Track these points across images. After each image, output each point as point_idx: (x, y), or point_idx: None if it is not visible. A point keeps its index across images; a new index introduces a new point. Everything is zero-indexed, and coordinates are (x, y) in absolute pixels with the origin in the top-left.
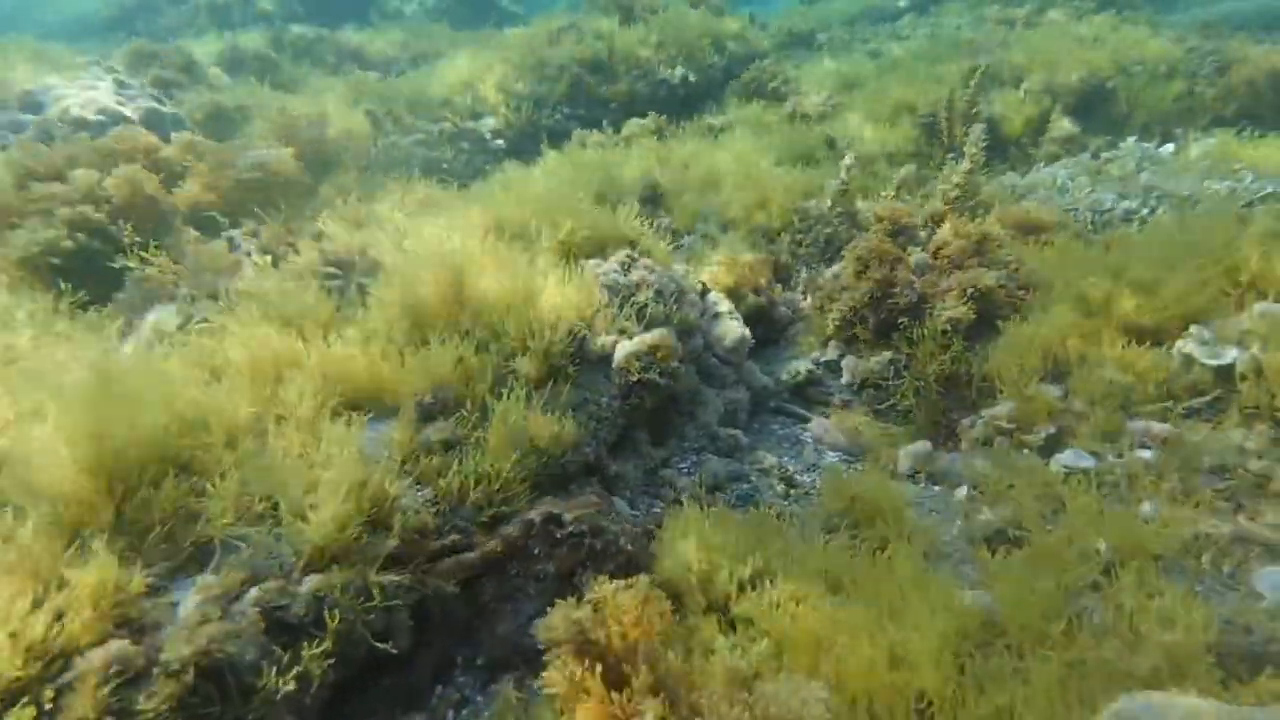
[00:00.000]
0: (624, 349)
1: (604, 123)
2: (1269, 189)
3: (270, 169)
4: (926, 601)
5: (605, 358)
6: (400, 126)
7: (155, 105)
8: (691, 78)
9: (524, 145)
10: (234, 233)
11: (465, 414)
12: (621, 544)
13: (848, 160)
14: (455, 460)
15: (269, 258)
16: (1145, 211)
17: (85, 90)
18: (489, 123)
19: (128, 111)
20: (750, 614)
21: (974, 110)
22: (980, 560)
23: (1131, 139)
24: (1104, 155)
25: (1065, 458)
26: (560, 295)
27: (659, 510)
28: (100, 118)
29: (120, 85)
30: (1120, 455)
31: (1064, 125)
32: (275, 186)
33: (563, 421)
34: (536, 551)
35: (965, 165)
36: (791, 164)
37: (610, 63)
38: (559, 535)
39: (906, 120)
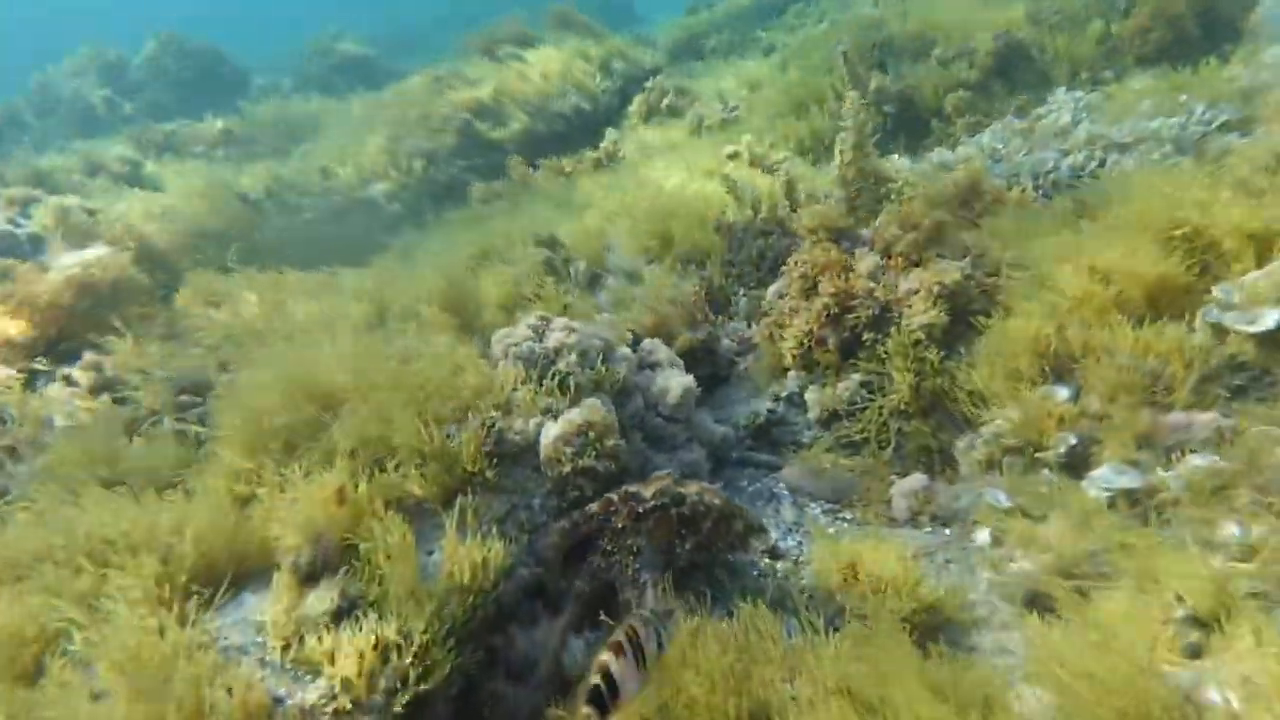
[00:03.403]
0: (550, 434)
1: (503, 169)
2: (1224, 116)
3: (94, 273)
4: None
5: (530, 447)
6: (284, 208)
7: (9, 228)
8: (585, 106)
9: (421, 206)
10: (70, 369)
11: (357, 565)
12: None
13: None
14: (351, 633)
15: (105, 397)
16: (1094, 165)
17: None
18: (379, 188)
19: None
20: None
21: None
22: (1028, 631)
23: (1061, 90)
24: (1035, 112)
25: (1102, 476)
26: (460, 381)
27: None
28: None
29: None
30: (1170, 463)
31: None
32: (104, 298)
33: (488, 544)
34: None
35: (850, 140)
36: (702, 178)
37: (497, 106)
38: None
39: (815, 112)
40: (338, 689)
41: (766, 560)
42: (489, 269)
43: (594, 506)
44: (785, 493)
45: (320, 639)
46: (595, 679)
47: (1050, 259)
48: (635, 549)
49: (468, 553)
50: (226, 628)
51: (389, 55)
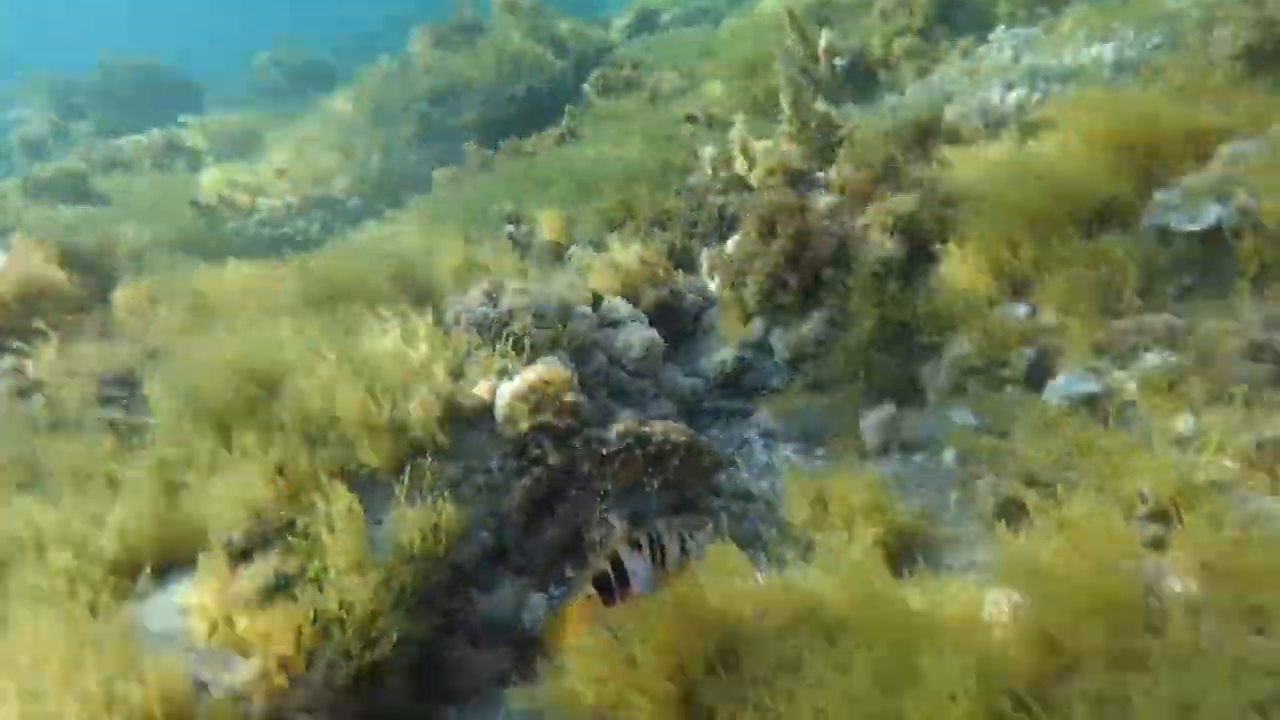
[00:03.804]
0: (505, 393)
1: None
2: (1155, 41)
3: (26, 283)
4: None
5: (486, 410)
6: (237, 211)
7: None
8: (539, 85)
9: (382, 198)
10: None
11: (296, 540)
12: None
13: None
14: (286, 609)
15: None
16: (1037, 97)
17: None
18: (339, 183)
19: None
20: None
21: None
22: (997, 539)
23: (1000, 28)
24: (977, 52)
25: (1061, 385)
26: (412, 350)
27: None
28: None
29: None
30: (1126, 366)
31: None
32: (35, 308)
33: (440, 509)
34: None
35: (788, 95)
36: (657, 146)
37: (452, 92)
38: None
39: (765, 73)
40: (271, 668)
41: (738, 504)
42: (449, 244)
43: (555, 458)
44: (757, 437)
45: (252, 618)
46: (604, 566)
47: (1002, 183)
48: (602, 492)
49: (418, 519)
50: (150, 615)
51: (345, 58)
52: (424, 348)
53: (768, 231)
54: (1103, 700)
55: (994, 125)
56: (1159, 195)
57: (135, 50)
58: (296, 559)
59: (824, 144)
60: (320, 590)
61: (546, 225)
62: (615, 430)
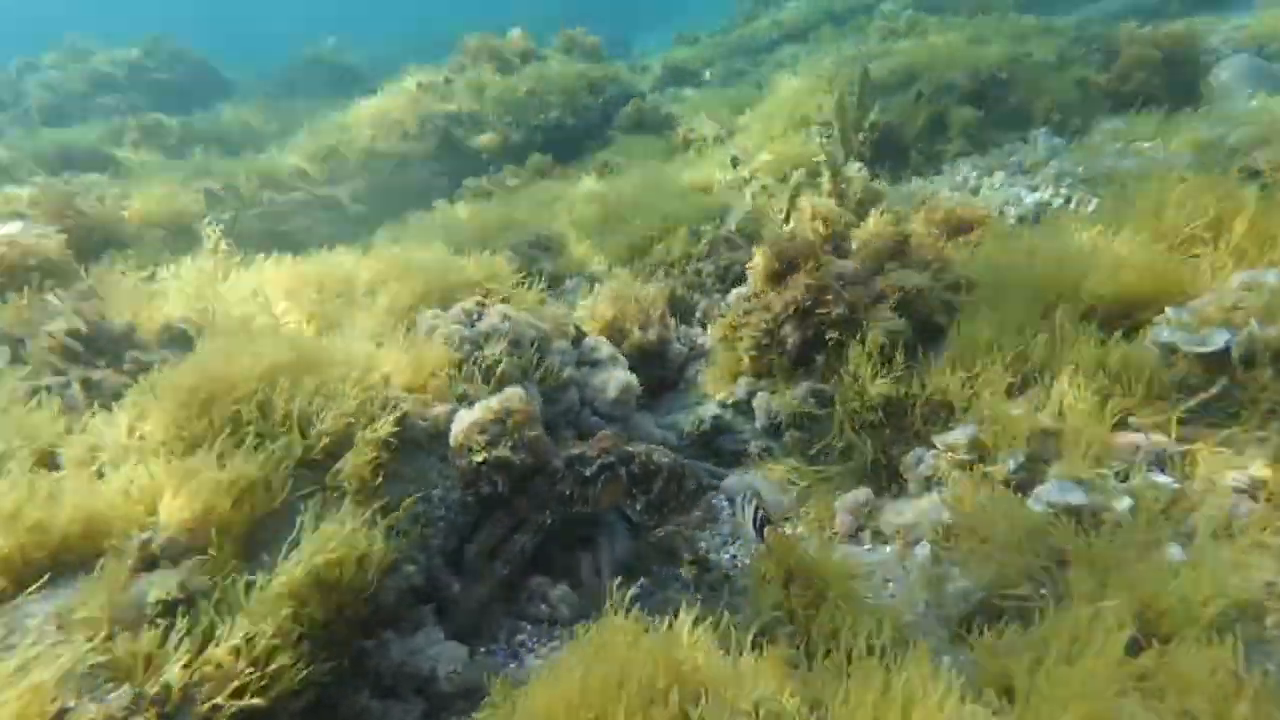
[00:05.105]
0: (463, 420)
1: (470, 179)
2: (1187, 159)
3: (22, 249)
4: None
5: (440, 435)
6: (243, 200)
7: None
8: (570, 121)
9: (389, 206)
10: None
11: (219, 552)
12: None
13: (745, 173)
14: (186, 629)
15: None
16: (1059, 202)
17: None
18: (345, 189)
19: None
20: None
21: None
22: (966, 650)
23: (1037, 131)
24: (1006, 149)
25: (1048, 492)
26: (385, 360)
27: (524, 639)
28: None
29: None
30: (1124, 480)
31: (964, 117)
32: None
33: (366, 536)
34: None
35: (830, 164)
36: (689, 192)
37: (479, 113)
38: None
39: (801, 135)
40: (145, 699)
41: (694, 572)
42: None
43: (508, 494)
44: (724, 503)
45: (136, 638)
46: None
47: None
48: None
49: (340, 545)
50: (19, 628)
51: (377, 68)
52: (400, 357)
53: (782, 272)
54: None
55: (1019, 222)
56: (1169, 311)
57: (183, 33)
58: (203, 576)
59: (859, 215)
60: (219, 615)
61: (565, 253)
62: (595, 446)
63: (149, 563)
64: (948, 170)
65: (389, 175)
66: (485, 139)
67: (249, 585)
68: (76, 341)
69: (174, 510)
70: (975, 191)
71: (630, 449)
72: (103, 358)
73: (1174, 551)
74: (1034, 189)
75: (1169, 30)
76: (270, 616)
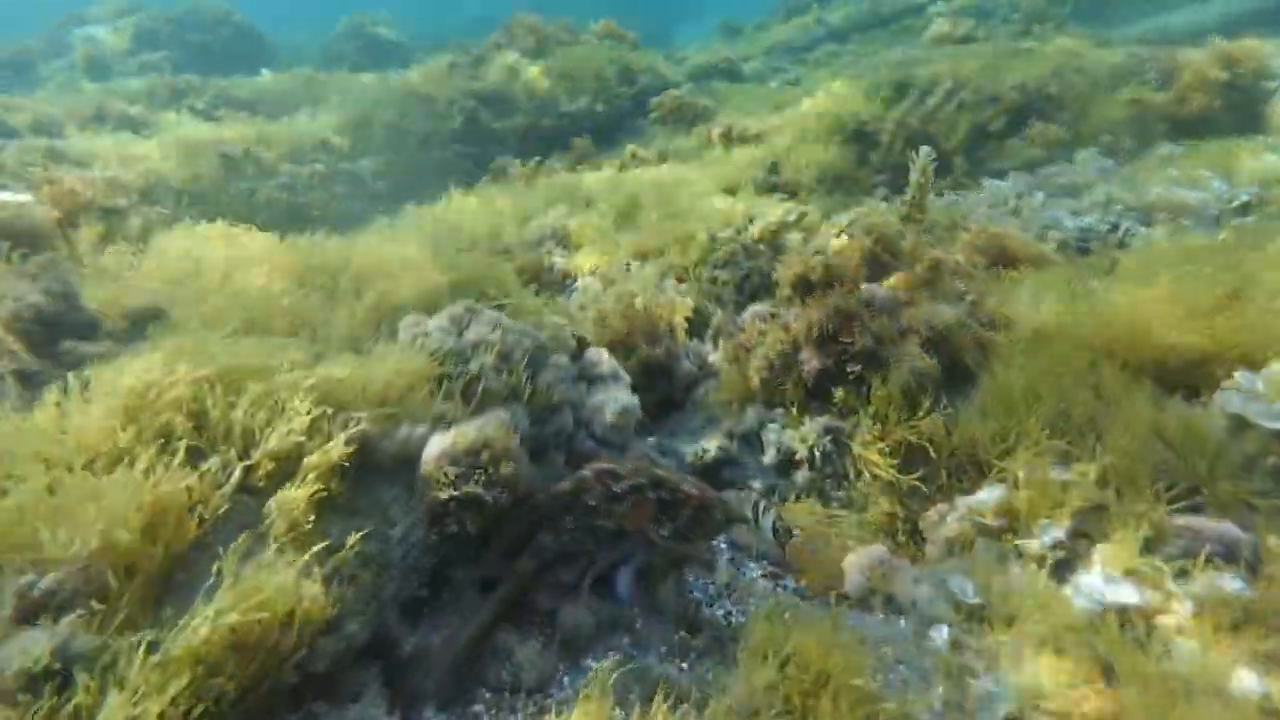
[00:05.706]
0: (434, 448)
1: (499, 158)
2: (1243, 197)
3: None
4: None
5: (409, 462)
6: (262, 169)
7: None
8: (599, 108)
9: (412, 184)
10: None
11: (121, 600)
12: None
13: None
14: (47, 713)
15: None
16: (1104, 229)
17: None
18: (368, 164)
19: None
20: None
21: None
22: None
23: (1086, 150)
24: (1052, 168)
25: (1093, 585)
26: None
27: (480, 711)
28: None
29: None
30: (1185, 576)
31: (1007, 132)
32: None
33: (297, 585)
34: None
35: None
36: (713, 191)
37: (509, 95)
38: None
39: (838, 140)
40: None
41: (681, 633)
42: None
43: (565, 485)
44: (724, 546)
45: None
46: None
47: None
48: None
49: (266, 597)
50: None
51: (419, 46)
52: (377, 367)
53: (808, 287)
54: None
55: (1060, 248)
56: (1239, 376)
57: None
58: (92, 635)
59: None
60: (105, 686)
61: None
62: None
63: (29, 614)
64: (988, 186)
65: (413, 153)
66: (511, 123)
67: (150, 647)
68: (35, 324)
69: (64, 543)
70: (1016, 212)
71: (661, 473)
72: (67, 340)
73: (1248, 682)
74: (1078, 213)
75: (1234, 48)
76: (160, 692)
